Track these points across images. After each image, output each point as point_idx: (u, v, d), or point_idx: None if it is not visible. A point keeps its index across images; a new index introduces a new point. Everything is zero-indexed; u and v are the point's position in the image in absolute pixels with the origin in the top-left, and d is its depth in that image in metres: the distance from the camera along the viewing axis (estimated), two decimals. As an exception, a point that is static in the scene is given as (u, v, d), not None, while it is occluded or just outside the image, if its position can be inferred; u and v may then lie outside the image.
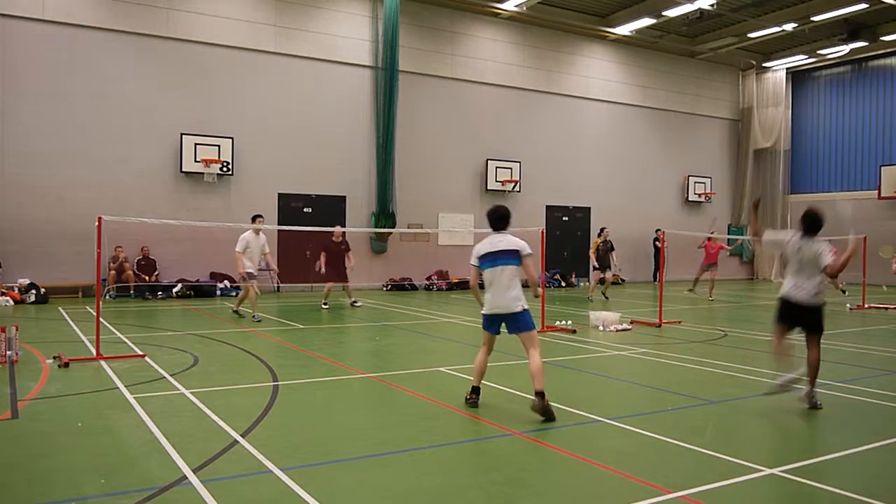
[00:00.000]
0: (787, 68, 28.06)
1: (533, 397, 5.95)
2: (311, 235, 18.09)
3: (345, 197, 20.27)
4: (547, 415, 5.83)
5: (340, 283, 15.56)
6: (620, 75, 25.43)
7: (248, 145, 18.67)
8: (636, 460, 5.06)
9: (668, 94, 26.63)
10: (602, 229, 18.35)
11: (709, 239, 18.54)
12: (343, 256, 15.45)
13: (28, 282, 15.64)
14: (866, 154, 26.68)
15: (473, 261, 6.55)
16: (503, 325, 6.34)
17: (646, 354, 9.45)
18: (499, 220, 6.56)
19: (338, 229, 15.43)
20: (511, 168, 22.62)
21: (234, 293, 17.83)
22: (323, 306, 15.30)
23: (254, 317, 12.86)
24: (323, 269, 15.34)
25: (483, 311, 6.44)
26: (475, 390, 6.44)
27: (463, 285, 21.25)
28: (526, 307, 6.28)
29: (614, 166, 25.36)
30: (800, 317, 6.64)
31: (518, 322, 6.26)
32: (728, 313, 15.27)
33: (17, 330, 8.23)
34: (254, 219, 13.26)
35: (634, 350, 9.81)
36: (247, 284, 12.97)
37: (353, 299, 15.79)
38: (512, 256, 6.34)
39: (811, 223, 6.63)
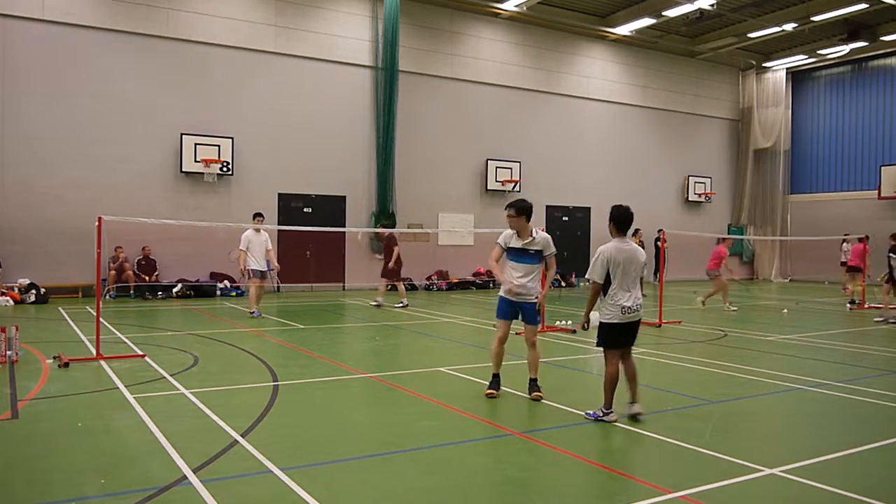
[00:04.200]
0: (787, 68, 28.06)
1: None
2: (311, 235, 18.10)
3: (345, 197, 20.26)
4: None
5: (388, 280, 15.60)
6: (620, 75, 25.43)
7: (248, 145, 18.67)
8: (636, 460, 5.06)
9: (668, 94, 26.63)
10: (637, 230, 18.54)
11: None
12: (388, 252, 15.56)
13: (28, 282, 15.64)
14: (866, 154, 26.68)
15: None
16: None
17: (646, 354, 9.44)
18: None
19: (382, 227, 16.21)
20: (511, 168, 22.62)
21: (233, 293, 17.87)
22: (399, 306, 15.45)
23: (252, 312, 13.36)
24: (392, 267, 15.41)
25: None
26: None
27: (462, 285, 21.26)
28: None
29: (614, 166, 25.36)
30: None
31: None
32: (728, 313, 15.25)
33: (17, 330, 8.23)
34: (254, 217, 13.87)
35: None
36: (248, 282, 13.65)
37: (378, 300, 15.57)
38: None
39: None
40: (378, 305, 15.33)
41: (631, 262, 5.97)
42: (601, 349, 6.15)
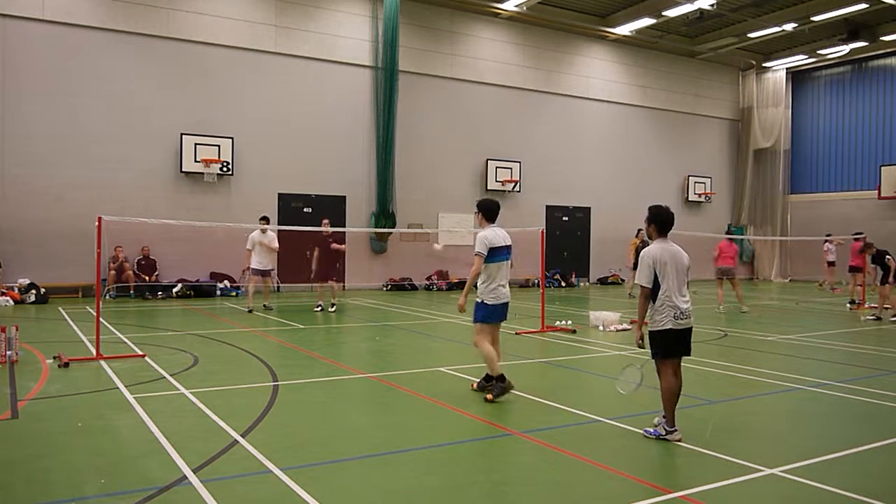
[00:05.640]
0: (787, 68, 28.07)
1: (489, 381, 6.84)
2: (311, 235, 18.09)
3: (345, 197, 20.26)
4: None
5: (327, 281, 14.50)
6: (620, 75, 25.44)
7: (248, 145, 18.67)
8: (636, 460, 5.05)
9: (668, 94, 26.64)
10: (639, 230, 18.38)
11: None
12: (332, 252, 14.35)
13: (28, 282, 15.64)
14: (866, 154, 26.69)
15: (484, 250, 6.82)
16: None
17: (646, 354, 9.44)
18: (497, 212, 7.14)
19: (325, 223, 14.45)
20: (511, 168, 22.62)
21: (233, 293, 17.87)
22: (316, 309, 14.53)
23: (250, 309, 14.02)
24: (313, 267, 14.42)
25: (491, 302, 6.81)
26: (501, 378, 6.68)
27: (462, 285, 21.22)
28: None
29: (614, 166, 25.37)
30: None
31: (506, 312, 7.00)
32: (728, 313, 15.25)
33: (17, 330, 8.23)
34: (260, 220, 14.49)
35: (634, 350, 9.79)
36: (248, 280, 14.44)
37: (332, 303, 14.55)
38: (510, 251, 7.00)
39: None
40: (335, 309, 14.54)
41: (678, 264, 5.55)
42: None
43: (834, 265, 22.08)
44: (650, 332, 5.57)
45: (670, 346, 5.55)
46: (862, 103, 26.89)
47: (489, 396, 6.65)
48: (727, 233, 27.59)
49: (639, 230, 18.57)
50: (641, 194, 25.73)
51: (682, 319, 5.50)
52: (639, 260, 5.69)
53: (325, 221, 14.60)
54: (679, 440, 5.37)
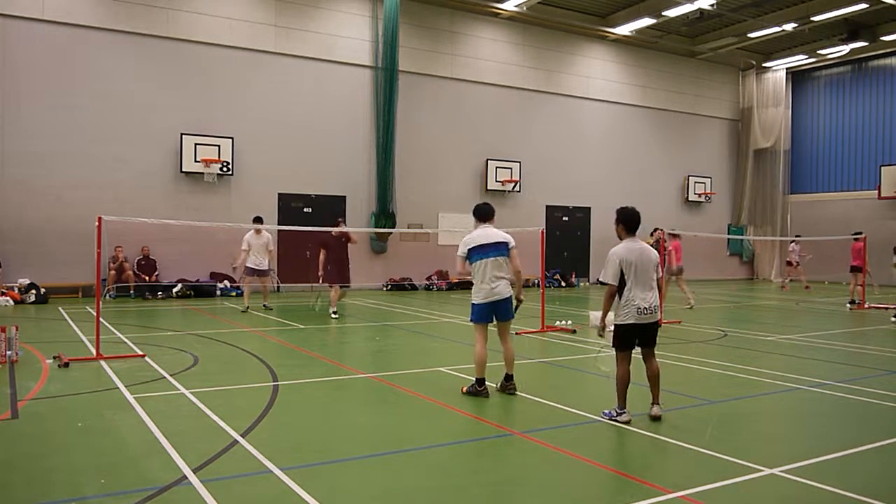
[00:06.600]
0: (787, 68, 28.06)
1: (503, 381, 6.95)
2: (311, 235, 18.13)
3: (345, 197, 20.26)
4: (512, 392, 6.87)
5: (338, 283, 13.40)
6: (620, 75, 25.43)
7: (248, 145, 18.67)
8: (636, 460, 5.05)
9: (668, 94, 26.63)
10: (655, 230, 18.23)
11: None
12: (345, 252, 13.41)
13: (28, 282, 15.64)
14: (866, 154, 26.68)
15: (462, 251, 7.03)
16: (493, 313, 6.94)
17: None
18: (486, 212, 7.25)
19: (339, 223, 13.62)
20: (511, 168, 22.62)
21: (233, 293, 17.87)
22: (332, 315, 13.25)
23: (246, 307, 14.26)
24: (321, 270, 13.34)
25: (477, 301, 6.97)
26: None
27: (464, 285, 21.24)
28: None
29: (614, 166, 25.36)
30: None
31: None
32: (728, 313, 15.26)
33: (17, 330, 8.23)
34: (253, 221, 14.58)
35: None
36: (245, 280, 14.79)
37: (333, 308, 13.42)
38: (497, 248, 6.91)
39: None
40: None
41: (644, 262, 5.89)
42: (613, 350, 6.18)
43: (791, 265, 23.12)
44: (615, 324, 5.97)
45: (631, 339, 5.98)
46: (862, 103, 26.88)
47: (463, 389, 6.95)
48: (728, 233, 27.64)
49: (654, 229, 18.34)
50: (641, 194, 25.74)
51: (645, 315, 5.88)
52: (606, 259, 5.97)
53: (340, 221, 13.96)
54: (628, 422, 5.80)
